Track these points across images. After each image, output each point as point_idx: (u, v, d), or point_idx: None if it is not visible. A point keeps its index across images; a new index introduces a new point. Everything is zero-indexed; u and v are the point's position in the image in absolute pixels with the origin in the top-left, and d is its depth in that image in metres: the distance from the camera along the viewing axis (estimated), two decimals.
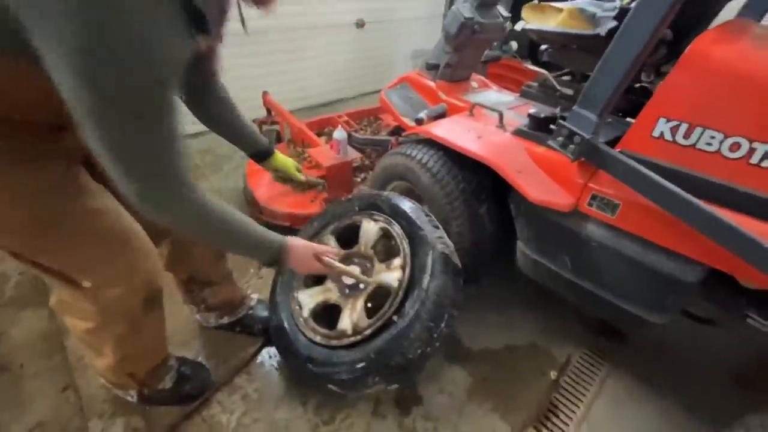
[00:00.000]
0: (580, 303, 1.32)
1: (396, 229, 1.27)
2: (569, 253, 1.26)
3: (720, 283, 1.09)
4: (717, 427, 1.19)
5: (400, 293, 1.14)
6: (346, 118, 2.44)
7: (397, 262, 1.20)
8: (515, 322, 1.61)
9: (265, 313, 1.49)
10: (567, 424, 1.27)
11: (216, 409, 1.28)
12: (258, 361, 1.43)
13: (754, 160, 0.90)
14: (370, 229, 1.32)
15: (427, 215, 1.29)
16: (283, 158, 1.47)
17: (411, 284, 1.16)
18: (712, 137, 0.94)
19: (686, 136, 0.97)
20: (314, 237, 1.43)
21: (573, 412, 1.31)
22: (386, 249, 1.33)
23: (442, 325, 1.10)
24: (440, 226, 1.29)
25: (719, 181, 0.96)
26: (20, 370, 1.37)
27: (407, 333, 1.07)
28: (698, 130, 0.95)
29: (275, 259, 0.99)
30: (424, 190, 1.46)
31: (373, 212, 1.36)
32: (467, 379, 1.40)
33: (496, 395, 1.35)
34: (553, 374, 1.42)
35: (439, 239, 1.21)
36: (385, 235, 1.31)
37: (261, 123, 2.58)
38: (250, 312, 1.50)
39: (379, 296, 1.19)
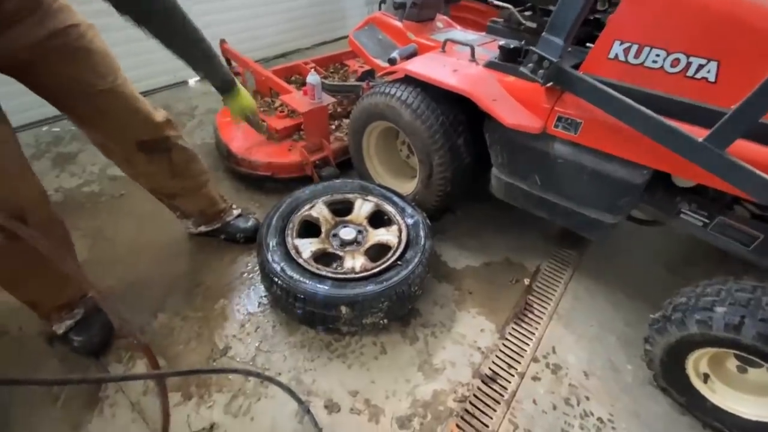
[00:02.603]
0: (548, 216, 1.51)
1: (388, 207, 1.60)
2: (539, 172, 1.43)
3: (659, 186, 1.32)
4: (654, 308, 1.46)
5: (401, 247, 1.44)
6: (313, 65, 2.40)
7: (394, 227, 1.53)
8: (490, 244, 1.81)
9: (245, 224, 1.72)
10: (541, 317, 1.51)
11: (232, 342, 1.37)
12: (259, 308, 1.52)
13: (690, 73, 1.08)
14: (364, 205, 1.62)
15: (402, 197, 1.65)
16: (247, 96, 1.37)
17: (409, 241, 1.47)
18: (657, 55, 1.10)
19: (636, 55, 1.13)
20: (307, 202, 1.60)
21: (544, 308, 1.55)
22: (377, 221, 1.61)
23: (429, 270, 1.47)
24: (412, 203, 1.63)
25: (662, 94, 1.13)
26: (19, 332, 1.37)
27: (413, 272, 1.36)
28: (646, 49, 1.11)
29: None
30: (405, 126, 1.55)
31: (365, 194, 1.65)
32: (455, 293, 1.59)
33: (481, 303, 1.56)
34: (526, 281, 1.64)
35: (420, 212, 1.58)
36: (378, 211, 1.61)
37: None
38: (231, 222, 1.70)
39: (374, 250, 1.49)
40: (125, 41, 1.41)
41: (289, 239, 1.46)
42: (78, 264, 1.27)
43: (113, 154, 1.34)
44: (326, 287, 1.28)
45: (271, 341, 1.38)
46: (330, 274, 1.33)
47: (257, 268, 1.48)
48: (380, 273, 1.36)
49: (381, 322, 1.34)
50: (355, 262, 1.40)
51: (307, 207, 1.59)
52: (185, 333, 1.39)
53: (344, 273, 1.35)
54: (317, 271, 1.34)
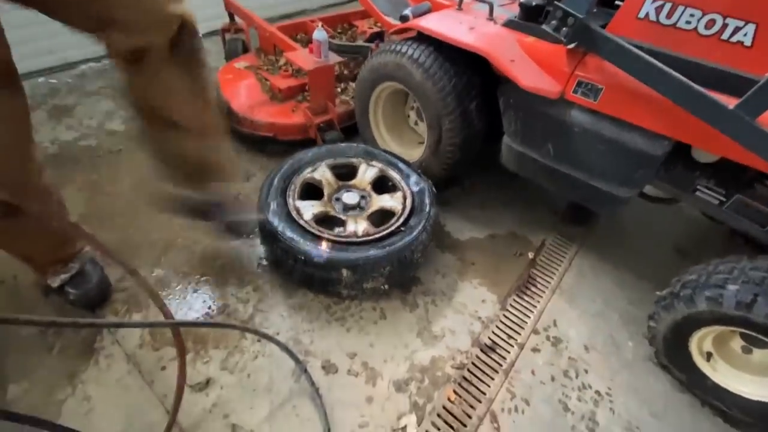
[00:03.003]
0: (558, 188, 1.47)
1: (393, 173, 1.55)
2: (553, 141, 1.37)
3: (678, 160, 1.26)
4: (660, 288, 1.44)
5: (405, 213, 1.40)
6: (320, 23, 2.29)
7: (398, 194, 1.49)
8: (495, 216, 1.77)
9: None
10: (543, 291, 1.49)
11: (230, 300, 1.35)
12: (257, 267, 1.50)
13: (725, 36, 1.00)
14: (368, 171, 1.57)
15: (408, 163, 1.60)
16: None
17: (413, 208, 1.43)
18: (692, 15, 1.02)
19: (669, 15, 1.05)
20: (309, 164, 1.54)
21: (548, 282, 1.52)
22: (382, 187, 1.56)
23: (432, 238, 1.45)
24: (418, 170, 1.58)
25: (692, 59, 1.06)
26: (14, 281, 1.34)
27: (416, 238, 1.33)
28: (680, 8, 1.03)
29: None
30: (416, 87, 1.48)
31: (370, 159, 1.59)
32: (458, 263, 1.56)
33: (483, 274, 1.53)
34: (530, 255, 1.61)
35: (425, 180, 1.53)
36: (382, 177, 1.55)
37: (224, 31, 2.37)
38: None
39: (377, 216, 1.44)
40: None
41: (290, 200, 1.42)
42: (71, 223, 1.22)
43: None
44: (327, 249, 1.25)
45: (270, 302, 1.36)
46: (332, 237, 1.30)
47: (257, 228, 1.45)
48: (383, 238, 1.32)
49: (382, 287, 1.32)
50: (358, 226, 1.37)
51: (309, 169, 1.54)
52: (182, 290, 1.37)
53: (346, 236, 1.32)
54: (319, 233, 1.31)
